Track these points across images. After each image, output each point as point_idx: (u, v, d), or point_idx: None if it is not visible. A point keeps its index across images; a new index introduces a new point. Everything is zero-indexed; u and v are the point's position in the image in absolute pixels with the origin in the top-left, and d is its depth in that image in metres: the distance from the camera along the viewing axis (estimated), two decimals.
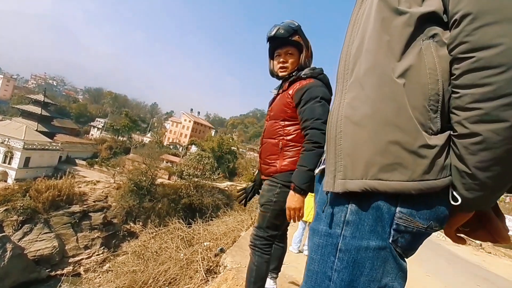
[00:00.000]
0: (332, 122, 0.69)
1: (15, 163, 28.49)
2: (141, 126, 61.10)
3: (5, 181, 27.58)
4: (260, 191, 1.74)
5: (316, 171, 0.86)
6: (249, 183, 1.84)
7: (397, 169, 0.58)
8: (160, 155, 35.95)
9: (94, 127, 56.65)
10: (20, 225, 20.45)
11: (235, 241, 3.95)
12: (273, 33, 1.61)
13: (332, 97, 0.69)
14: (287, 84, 1.63)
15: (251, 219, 5.62)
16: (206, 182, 29.80)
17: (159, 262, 3.41)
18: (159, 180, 28.91)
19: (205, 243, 4.12)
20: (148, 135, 57.25)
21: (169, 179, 33.14)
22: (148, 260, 3.70)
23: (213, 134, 64.27)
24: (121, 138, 46.74)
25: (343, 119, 0.66)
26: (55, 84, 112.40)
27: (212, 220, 6.85)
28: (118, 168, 32.33)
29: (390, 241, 0.60)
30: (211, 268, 2.99)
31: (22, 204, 20.72)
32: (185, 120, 62.69)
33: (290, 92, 1.58)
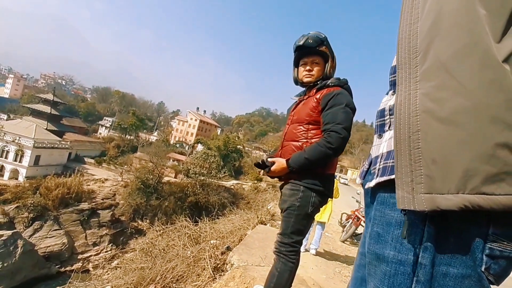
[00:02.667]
0: (401, 119, 0.54)
1: (26, 161, 29.12)
2: (148, 125, 61.67)
3: (16, 178, 28.22)
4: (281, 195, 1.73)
5: (371, 184, 0.70)
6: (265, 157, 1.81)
7: (504, 179, 0.45)
8: (166, 153, 36.26)
9: (102, 125, 57.41)
10: (30, 222, 20.89)
11: (241, 240, 3.96)
12: (301, 42, 1.67)
13: (398, 89, 0.56)
14: (314, 90, 1.68)
15: (257, 217, 5.63)
16: (212, 180, 29.92)
17: (167, 259, 3.44)
18: (165, 179, 29.17)
19: (211, 241, 4.14)
20: (155, 133, 57.74)
21: (175, 177, 33.41)
22: (155, 257, 3.74)
23: (219, 133, 64.45)
24: (129, 137, 47.26)
25: (420, 114, 0.52)
26: (64, 83, 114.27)
27: (219, 219, 6.88)
28: (125, 166, 32.75)
29: (483, 269, 0.50)
30: (218, 266, 3.01)
31: (32, 202, 21.16)
32: (191, 118, 62.99)
33: (318, 96, 1.62)
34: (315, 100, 1.62)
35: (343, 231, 6.05)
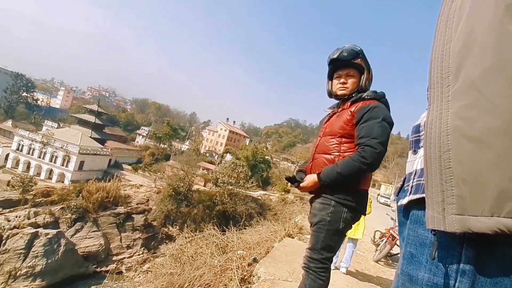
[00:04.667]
0: (432, 138, 0.54)
1: (71, 166, 31.85)
2: (180, 134, 64.41)
3: (62, 182, 30.89)
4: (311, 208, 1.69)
5: (404, 201, 0.67)
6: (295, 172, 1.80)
7: None
8: (197, 162, 37.40)
9: (139, 134, 61.11)
10: (73, 222, 22.57)
11: (268, 252, 3.90)
12: (336, 55, 1.66)
13: (430, 107, 0.56)
14: (349, 102, 1.65)
15: (285, 230, 5.52)
16: (240, 190, 30.12)
17: (195, 266, 3.49)
18: (195, 187, 30.00)
19: (238, 252, 4.13)
20: (187, 143, 60.07)
21: (204, 185, 34.22)
22: (184, 264, 3.82)
23: (247, 143, 65.24)
24: (163, 145, 49.63)
25: (451, 133, 0.51)
26: (107, 95, 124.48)
27: (246, 229, 6.85)
28: (159, 173, 34.30)
29: None
30: (245, 278, 2.98)
31: (75, 204, 22.91)
32: (221, 129, 64.66)
33: (352, 109, 1.59)
34: (350, 113, 1.58)
35: (376, 250, 5.70)
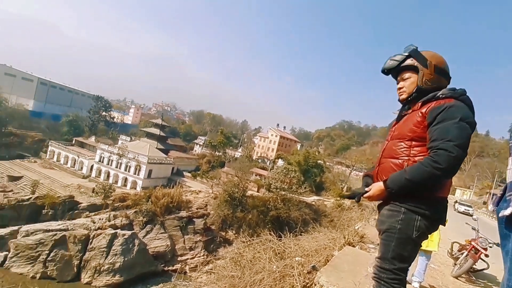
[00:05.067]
0: None
1: (142, 174, 35.85)
2: (233, 142, 67.12)
3: (135, 188, 35.00)
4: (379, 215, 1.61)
5: (507, 212, 0.63)
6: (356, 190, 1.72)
7: None
8: (249, 168, 38.36)
9: (196, 144, 65.57)
10: (144, 225, 25.21)
11: (328, 260, 3.76)
12: (384, 67, 1.65)
13: None
14: (419, 103, 1.54)
15: (344, 238, 5.24)
16: (293, 195, 29.79)
17: (254, 271, 3.56)
18: (249, 192, 30.73)
19: (296, 258, 4.07)
20: (239, 150, 62.16)
21: (258, 191, 34.80)
22: (244, 267, 3.93)
23: (298, 148, 64.41)
24: (218, 153, 52.30)
25: None
26: (169, 109, 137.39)
27: (301, 235, 6.73)
28: (215, 180, 36.15)
29: None
30: (307, 286, 2.92)
31: (146, 208, 25.61)
32: (272, 135, 65.27)
33: (424, 110, 1.48)
34: (420, 115, 1.47)
35: (454, 264, 5.00)
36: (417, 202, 1.39)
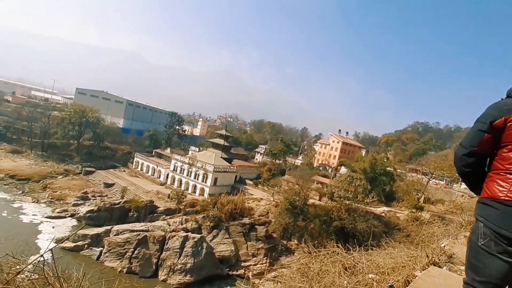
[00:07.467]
0: None
1: (209, 182, 38.52)
2: (293, 149, 66.57)
3: (203, 195, 37.76)
4: None
5: None
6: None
7: None
8: (311, 176, 37.34)
9: (257, 152, 67.32)
10: (211, 229, 26.84)
11: (408, 281, 3.32)
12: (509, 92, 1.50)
13: None
14: None
15: (427, 256, 4.57)
16: (359, 205, 27.72)
17: (323, 284, 3.38)
18: (310, 201, 29.85)
19: (369, 275, 3.72)
20: (300, 157, 61.26)
21: (319, 200, 33.50)
22: (312, 279, 3.77)
23: (363, 154, 59.89)
24: (278, 161, 52.59)
25: None
26: (231, 120, 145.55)
27: (372, 249, 6.15)
28: (276, 187, 36.29)
29: None
30: None
31: (212, 213, 27.28)
32: (333, 141, 62.47)
33: None
34: None
35: None
36: (477, 207, 1.34)
